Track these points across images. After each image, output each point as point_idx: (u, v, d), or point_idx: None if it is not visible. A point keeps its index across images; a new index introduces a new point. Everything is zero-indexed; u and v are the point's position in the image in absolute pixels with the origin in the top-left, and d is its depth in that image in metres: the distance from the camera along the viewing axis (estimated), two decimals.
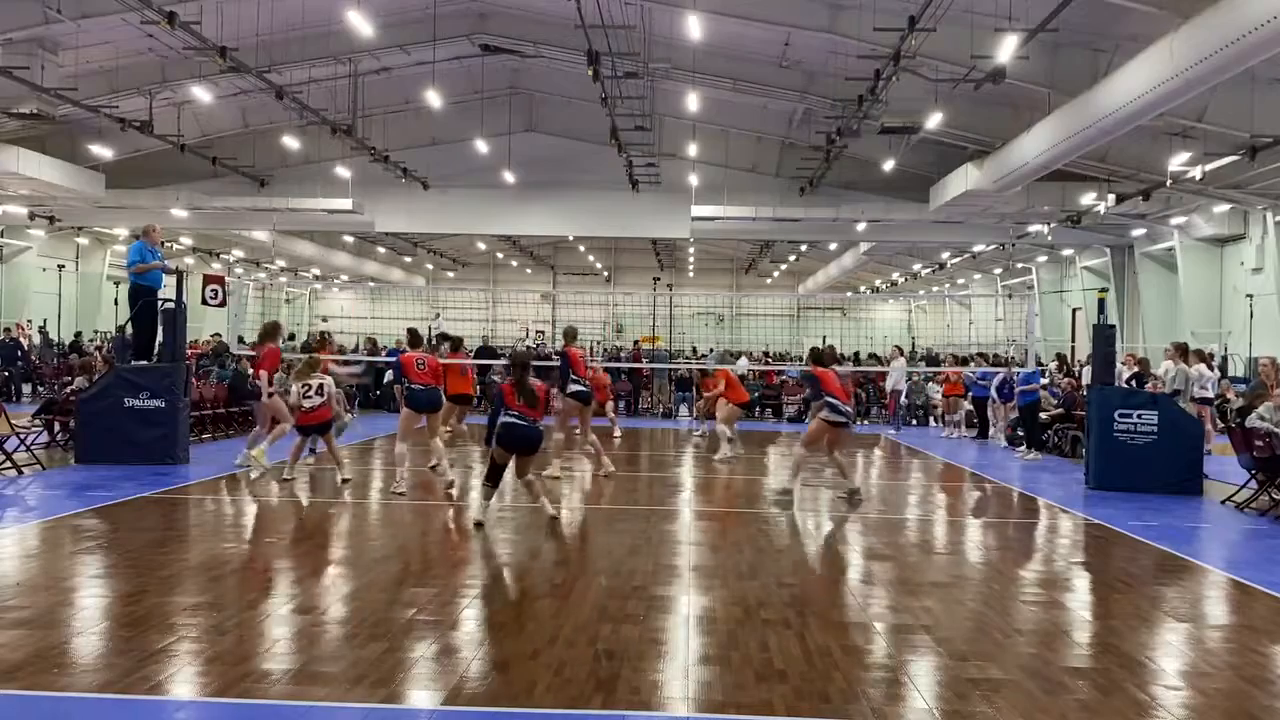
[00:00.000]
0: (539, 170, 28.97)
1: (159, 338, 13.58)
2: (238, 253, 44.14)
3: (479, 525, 9.05)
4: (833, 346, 13.09)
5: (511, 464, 9.30)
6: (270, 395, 12.86)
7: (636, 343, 31.85)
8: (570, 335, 13.03)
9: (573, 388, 12.22)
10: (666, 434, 20.44)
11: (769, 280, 56.20)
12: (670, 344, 36.80)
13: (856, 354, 30.95)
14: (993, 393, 19.08)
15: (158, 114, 23.53)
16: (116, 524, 8.95)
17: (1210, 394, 17.00)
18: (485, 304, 51.54)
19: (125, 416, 12.64)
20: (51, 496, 10.43)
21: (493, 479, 9.26)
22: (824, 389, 10.91)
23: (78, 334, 31.62)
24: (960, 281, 49.22)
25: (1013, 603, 6.98)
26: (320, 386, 11.79)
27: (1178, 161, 20.88)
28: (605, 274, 55.60)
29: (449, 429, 14.44)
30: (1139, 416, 12.45)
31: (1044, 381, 17.44)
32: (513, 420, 9.07)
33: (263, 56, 20.98)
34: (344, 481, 11.78)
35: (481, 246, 50.35)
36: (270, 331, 13.32)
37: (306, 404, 11.66)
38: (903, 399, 22.82)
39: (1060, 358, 23.59)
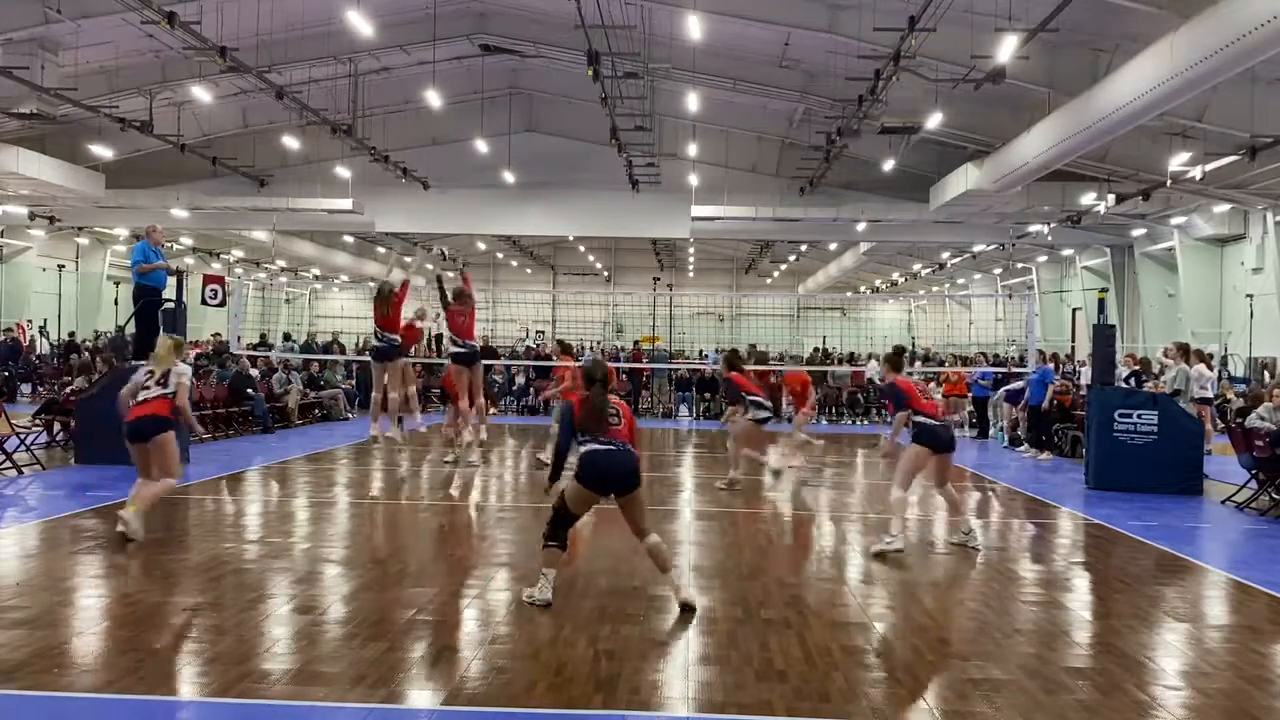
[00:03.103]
0: (539, 170, 28.97)
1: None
2: (238, 253, 44.12)
3: (546, 605, 6.40)
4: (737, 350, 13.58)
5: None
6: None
7: (636, 343, 31.85)
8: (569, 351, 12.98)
9: None
10: (666, 434, 20.43)
11: (769, 280, 56.18)
12: (670, 344, 36.80)
13: (853, 354, 30.97)
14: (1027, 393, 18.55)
15: (158, 114, 23.53)
16: (117, 524, 8.93)
17: (1210, 394, 17.00)
18: (485, 304, 51.51)
19: None
20: (51, 496, 10.43)
21: (558, 535, 6.53)
22: (742, 390, 11.62)
23: (71, 335, 31.63)
24: (960, 281, 49.22)
25: (1013, 603, 6.98)
26: (165, 376, 8.53)
27: (1178, 161, 20.88)
28: (605, 274, 55.59)
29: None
30: (1139, 416, 12.46)
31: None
32: (596, 447, 6.47)
33: (263, 56, 20.97)
34: (124, 536, 8.09)
35: (481, 246, 50.33)
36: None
37: (142, 395, 8.47)
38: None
39: (1054, 358, 23.60)
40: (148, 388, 8.45)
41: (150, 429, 8.34)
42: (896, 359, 9.30)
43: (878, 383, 10.14)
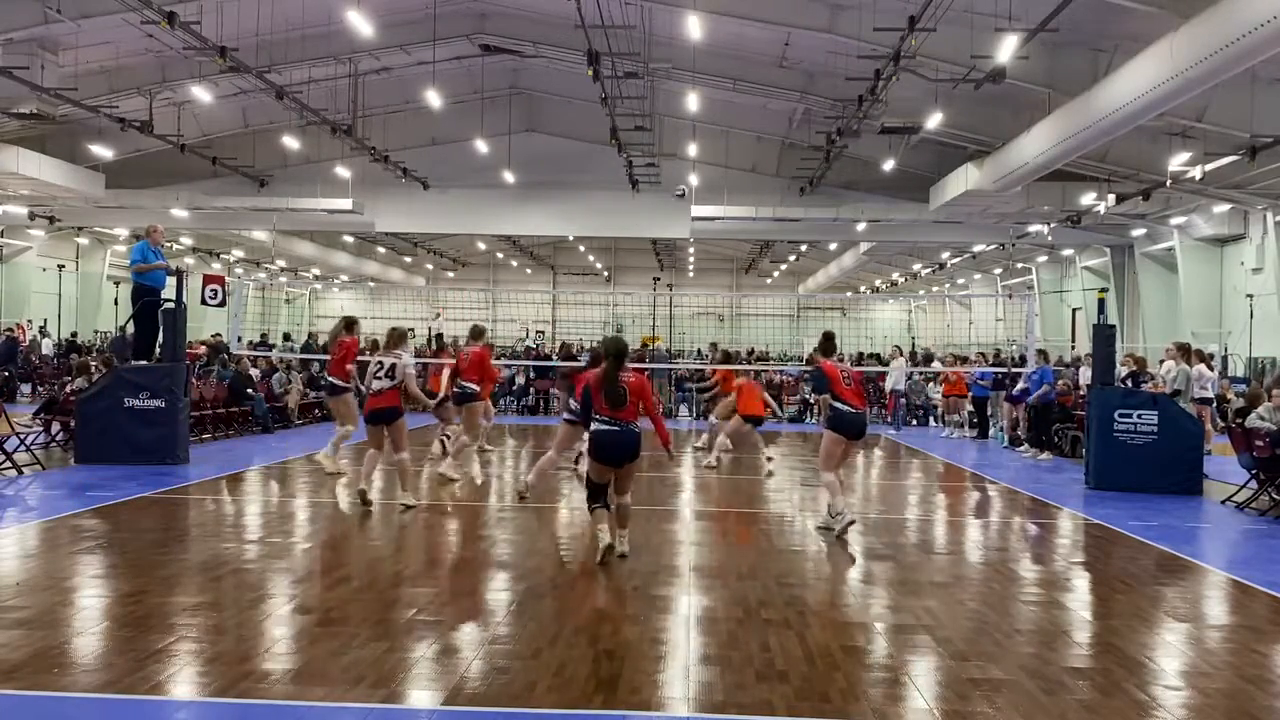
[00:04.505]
0: (539, 170, 28.98)
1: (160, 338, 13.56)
2: (238, 253, 44.14)
3: (607, 551, 7.60)
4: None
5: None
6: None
7: (644, 344, 31.82)
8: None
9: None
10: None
11: (769, 280, 56.20)
12: (670, 344, 36.80)
13: (861, 354, 30.97)
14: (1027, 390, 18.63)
15: (158, 114, 23.54)
16: (116, 524, 8.95)
17: (1210, 394, 16.99)
18: (485, 304, 51.51)
19: (125, 416, 12.63)
20: (51, 496, 10.43)
21: (597, 498, 7.74)
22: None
23: (73, 335, 31.63)
24: (960, 281, 49.23)
25: (1013, 603, 6.98)
26: (393, 369, 9.82)
27: (1178, 161, 20.89)
28: (605, 274, 55.59)
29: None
30: (1139, 416, 12.45)
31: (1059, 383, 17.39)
32: (601, 427, 7.56)
33: (263, 56, 20.99)
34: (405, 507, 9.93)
35: (481, 246, 50.35)
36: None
37: (375, 385, 9.88)
38: (902, 399, 22.82)
39: (1043, 356, 23.53)
40: (379, 378, 9.75)
41: (385, 418, 9.79)
42: (826, 344, 9.58)
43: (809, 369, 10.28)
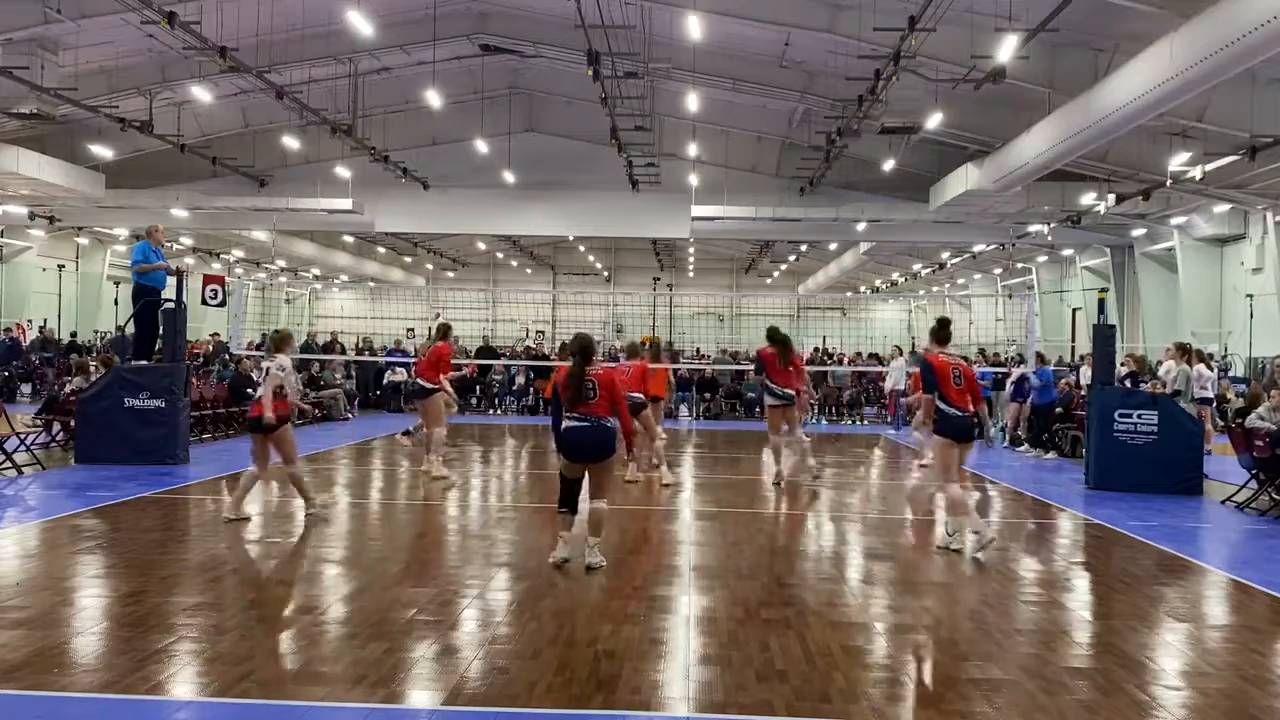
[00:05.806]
0: (539, 170, 28.97)
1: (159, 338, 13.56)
2: (238, 253, 44.10)
3: (564, 562, 7.55)
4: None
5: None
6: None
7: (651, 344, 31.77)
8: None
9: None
10: (665, 434, 20.38)
11: (769, 280, 56.17)
12: (670, 344, 36.78)
13: (859, 353, 30.95)
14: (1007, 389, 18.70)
15: (158, 114, 23.53)
16: (116, 524, 8.95)
17: (1210, 394, 16.99)
18: (485, 304, 51.52)
19: (125, 416, 12.64)
20: (51, 496, 10.43)
21: (567, 502, 7.63)
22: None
23: (73, 334, 31.62)
24: (960, 281, 49.20)
25: (1013, 603, 6.98)
26: (267, 371, 9.22)
27: (1178, 161, 20.88)
28: (605, 274, 55.57)
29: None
30: (1139, 416, 12.46)
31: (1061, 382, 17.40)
32: (571, 423, 7.45)
33: (263, 56, 20.96)
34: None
35: (481, 246, 50.32)
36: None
37: (259, 392, 9.38)
38: (902, 399, 22.77)
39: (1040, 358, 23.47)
40: (259, 383, 9.28)
41: (262, 425, 9.05)
42: (940, 332, 8.68)
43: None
